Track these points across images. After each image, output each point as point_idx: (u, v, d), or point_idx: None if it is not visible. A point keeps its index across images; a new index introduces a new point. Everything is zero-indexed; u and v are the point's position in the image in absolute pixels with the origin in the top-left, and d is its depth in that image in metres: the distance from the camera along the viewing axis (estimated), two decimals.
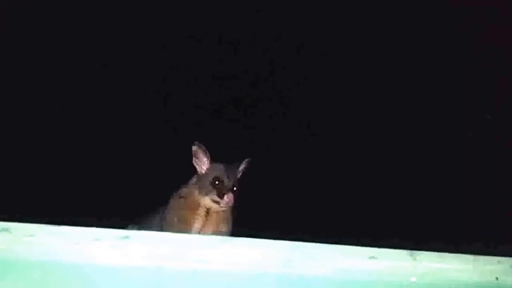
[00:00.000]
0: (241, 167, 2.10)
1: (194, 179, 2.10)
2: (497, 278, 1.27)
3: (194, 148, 2.07)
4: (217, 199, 1.98)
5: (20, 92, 3.71)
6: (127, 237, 1.12)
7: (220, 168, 2.04)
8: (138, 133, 3.89)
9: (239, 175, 2.09)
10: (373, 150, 4.04)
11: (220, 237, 1.23)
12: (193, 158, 2.09)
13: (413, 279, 1.20)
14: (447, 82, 3.97)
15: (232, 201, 1.97)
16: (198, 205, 2.03)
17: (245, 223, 2.01)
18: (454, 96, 3.96)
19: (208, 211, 2.04)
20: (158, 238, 1.15)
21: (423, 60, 3.99)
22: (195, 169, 2.10)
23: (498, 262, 1.30)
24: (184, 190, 2.10)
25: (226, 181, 2.00)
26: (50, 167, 3.64)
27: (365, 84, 4.10)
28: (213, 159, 2.07)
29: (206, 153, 2.06)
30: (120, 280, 1.07)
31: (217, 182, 2.00)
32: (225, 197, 1.96)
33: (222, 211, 2.04)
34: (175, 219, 2.04)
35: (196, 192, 2.04)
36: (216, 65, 4.05)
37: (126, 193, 3.44)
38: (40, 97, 3.76)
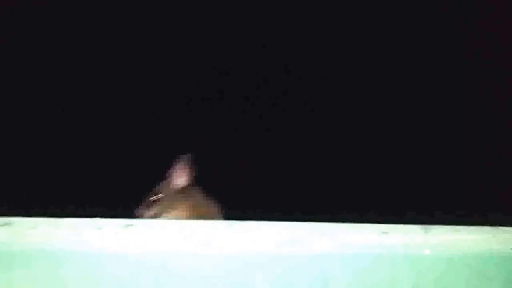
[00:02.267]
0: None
1: None
2: None
3: None
4: None
5: (18, 88, 3.67)
6: (130, 225, 1.10)
7: None
8: (149, 124, 3.82)
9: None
10: (384, 123, 3.84)
11: (225, 221, 1.20)
12: None
13: (427, 251, 1.16)
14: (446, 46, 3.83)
15: None
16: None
17: (254, 206, 1.97)
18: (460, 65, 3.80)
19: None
20: (163, 225, 1.13)
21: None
22: None
23: None
24: None
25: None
26: (52, 164, 3.59)
27: (360, 55, 3.95)
28: None
29: None
30: (124, 266, 1.05)
31: None
32: None
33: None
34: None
35: None
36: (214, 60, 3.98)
37: (129, 189, 3.38)
38: (35, 90, 3.72)
